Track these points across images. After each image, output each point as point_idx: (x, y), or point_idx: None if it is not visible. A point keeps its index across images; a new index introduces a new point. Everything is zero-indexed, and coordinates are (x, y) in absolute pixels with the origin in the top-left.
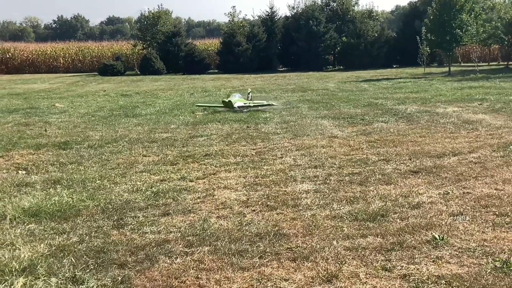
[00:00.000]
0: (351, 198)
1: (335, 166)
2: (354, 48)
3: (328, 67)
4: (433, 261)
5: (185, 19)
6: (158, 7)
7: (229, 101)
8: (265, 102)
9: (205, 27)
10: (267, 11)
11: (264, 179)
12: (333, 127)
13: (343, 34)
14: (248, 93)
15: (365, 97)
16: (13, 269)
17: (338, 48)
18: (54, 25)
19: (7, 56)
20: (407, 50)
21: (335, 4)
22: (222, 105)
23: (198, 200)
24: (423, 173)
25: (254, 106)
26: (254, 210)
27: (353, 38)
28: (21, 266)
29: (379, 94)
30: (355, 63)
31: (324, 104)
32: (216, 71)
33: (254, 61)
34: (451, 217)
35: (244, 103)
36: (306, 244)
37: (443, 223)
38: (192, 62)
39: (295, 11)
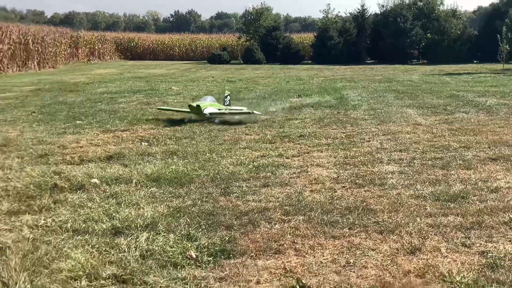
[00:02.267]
0: (434, 180)
1: (419, 150)
2: (437, 44)
3: (413, 60)
4: (510, 240)
5: (283, 15)
6: (261, 4)
7: (197, 105)
8: (245, 109)
9: (301, 22)
10: (358, 9)
11: (353, 159)
12: (417, 115)
13: (428, 31)
14: (226, 97)
15: (447, 89)
16: (138, 225)
17: (423, 44)
18: (171, 19)
19: (132, 44)
20: (487, 47)
21: (421, 4)
22: (188, 109)
23: (294, 175)
24: (502, 161)
25: (230, 113)
26: (344, 187)
27: (437, 35)
28: (145, 223)
29: (461, 87)
30: (438, 58)
31: (408, 94)
32: (310, 62)
33: (344, 53)
34: None
35: (219, 109)
36: (392, 219)
37: None
38: (288, 53)
39: (384, 9)
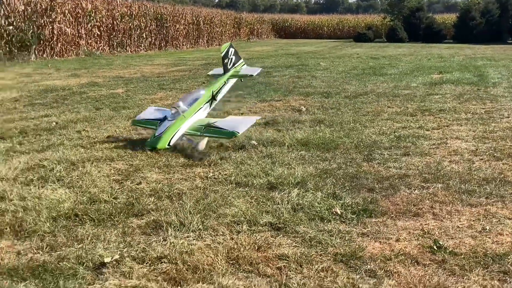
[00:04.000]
0: None
1: None
2: None
3: None
4: None
5: None
6: None
7: (153, 148)
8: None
9: (444, 3)
10: None
11: (492, 134)
12: None
13: None
14: (226, 52)
15: None
16: (290, 182)
17: None
18: (321, 1)
19: (286, 24)
20: None
21: None
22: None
23: (433, 146)
24: None
25: (209, 135)
26: (482, 159)
27: None
28: (296, 181)
29: None
30: None
31: None
32: (451, 41)
33: (485, 34)
34: None
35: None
36: None
37: None
38: (430, 33)
39: None
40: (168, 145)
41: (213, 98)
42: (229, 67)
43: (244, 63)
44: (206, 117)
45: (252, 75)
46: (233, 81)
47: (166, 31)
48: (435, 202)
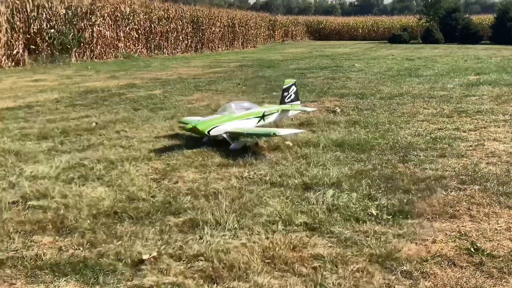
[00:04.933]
0: None
1: None
2: None
3: None
4: None
5: None
6: None
7: (194, 126)
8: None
9: (481, 4)
10: None
11: None
12: None
13: None
14: (287, 89)
15: None
16: (325, 183)
17: None
18: (356, 3)
19: (320, 26)
20: None
21: None
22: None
23: (470, 148)
24: None
25: (251, 134)
26: None
27: None
28: (331, 181)
29: None
30: None
31: None
32: (488, 42)
33: None
34: None
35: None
36: None
37: None
38: (467, 33)
39: None
40: (208, 132)
41: (262, 117)
42: (286, 100)
43: (300, 104)
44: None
45: (308, 111)
46: (284, 113)
47: (202, 33)
48: (472, 204)
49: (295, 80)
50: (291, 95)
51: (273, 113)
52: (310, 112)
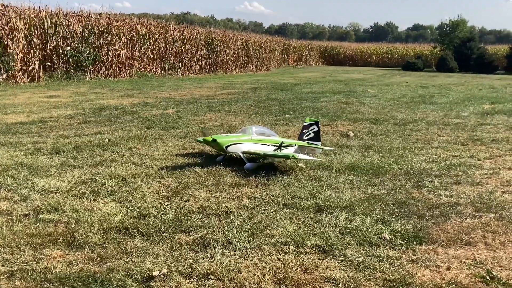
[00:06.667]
0: None
1: None
2: None
3: None
4: None
5: (478, 28)
6: (458, 16)
7: (213, 139)
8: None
9: (496, 35)
10: None
11: None
12: None
13: None
14: (307, 127)
15: None
16: (338, 206)
17: None
18: (370, 30)
19: (334, 52)
20: None
21: None
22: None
23: (485, 176)
24: None
25: (269, 155)
26: None
27: None
28: (344, 204)
29: None
30: None
31: None
32: (503, 72)
33: None
34: None
35: (258, 153)
36: None
37: None
38: (481, 63)
39: None
40: (226, 147)
41: (280, 147)
42: (304, 138)
43: (320, 145)
44: None
45: (325, 150)
46: (301, 149)
47: (216, 55)
48: (488, 232)
49: (318, 120)
50: (310, 133)
51: (290, 146)
52: (328, 151)
